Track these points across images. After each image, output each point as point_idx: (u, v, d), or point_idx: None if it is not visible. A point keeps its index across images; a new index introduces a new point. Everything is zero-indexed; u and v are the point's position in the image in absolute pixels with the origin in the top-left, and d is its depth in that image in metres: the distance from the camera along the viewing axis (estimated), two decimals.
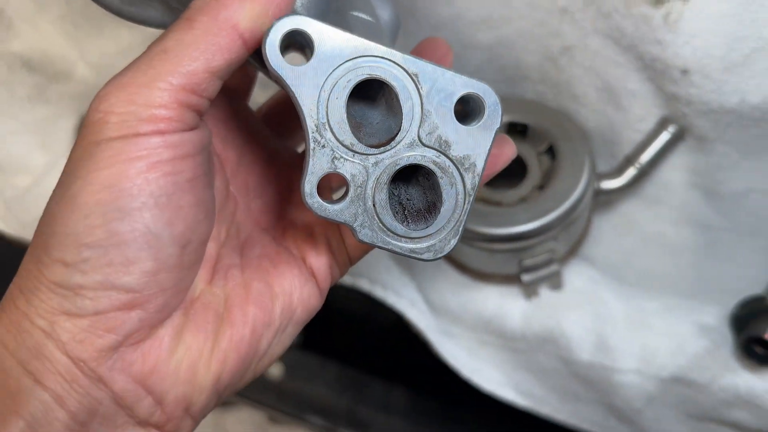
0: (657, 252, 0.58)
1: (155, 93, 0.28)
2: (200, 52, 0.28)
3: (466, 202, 0.32)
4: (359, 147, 0.30)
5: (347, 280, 0.54)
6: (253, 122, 0.38)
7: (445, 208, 0.31)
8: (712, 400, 0.52)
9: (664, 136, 0.52)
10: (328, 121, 0.30)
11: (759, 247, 0.56)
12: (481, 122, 0.31)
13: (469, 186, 0.31)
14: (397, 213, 0.32)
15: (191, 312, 0.31)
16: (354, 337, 0.80)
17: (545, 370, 0.55)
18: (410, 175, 0.33)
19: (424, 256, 0.32)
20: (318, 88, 0.29)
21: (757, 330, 0.50)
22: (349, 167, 0.31)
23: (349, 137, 0.30)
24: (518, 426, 0.62)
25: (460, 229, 0.32)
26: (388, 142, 0.31)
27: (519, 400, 0.57)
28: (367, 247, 0.36)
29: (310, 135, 0.30)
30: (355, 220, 0.31)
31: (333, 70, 0.29)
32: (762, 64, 0.47)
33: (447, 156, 0.31)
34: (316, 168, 0.30)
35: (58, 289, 0.28)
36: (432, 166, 0.31)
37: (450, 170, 0.31)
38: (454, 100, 0.30)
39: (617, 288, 0.55)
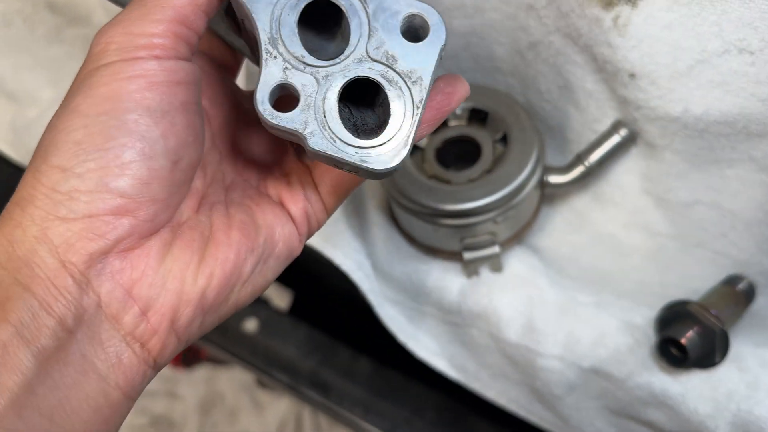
0: (604, 251, 0.60)
1: (150, 24, 0.31)
2: None
3: (415, 114, 0.33)
4: (309, 59, 0.33)
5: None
6: (239, 95, 0.41)
7: (394, 119, 0.33)
8: (629, 397, 0.54)
9: (615, 139, 0.54)
10: (280, 35, 0.32)
11: (703, 258, 0.58)
12: (426, 39, 0.33)
13: (416, 99, 0.33)
14: (349, 129, 0.33)
15: (179, 231, 0.33)
16: (328, 305, 0.83)
17: (477, 345, 0.58)
18: (368, 104, 0.35)
19: (374, 166, 0.33)
20: (271, 5, 0.32)
21: (675, 332, 0.52)
22: (299, 77, 0.33)
23: (299, 50, 0.32)
24: (464, 404, 0.64)
25: (410, 140, 0.33)
26: (336, 56, 0.33)
27: (451, 372, 0.60)
28: (341, 196, 0.39)
29: (263, 47, 0.32)
30: (305, 127, 0.32)
31: None
32: (705, 75, 0.49)
33: (394, 69, 0.33)
34: (267, 78, 0.32)
35: (54, 194, 0.29)
36: (379, 78, 0.33)
37: (398, 83, 0.33)
38: (400, 18, 0.33)
39: (556, 278, 0.58)
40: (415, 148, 0.58)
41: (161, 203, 0.32)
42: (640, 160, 0.56)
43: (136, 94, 0.30)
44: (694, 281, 0.57)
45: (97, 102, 0.30)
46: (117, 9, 0.36)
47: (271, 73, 0.32)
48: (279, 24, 0.32)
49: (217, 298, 0.33)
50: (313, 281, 0.90)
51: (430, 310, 0.59)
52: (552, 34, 0.54)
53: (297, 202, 0.38)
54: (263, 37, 0.32)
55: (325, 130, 0.33)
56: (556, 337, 0.55)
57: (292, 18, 0.32)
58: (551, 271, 0.58)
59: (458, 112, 0.58)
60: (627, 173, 0.58)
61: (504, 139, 0.56)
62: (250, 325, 0.76)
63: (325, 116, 0.33)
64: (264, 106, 0.32)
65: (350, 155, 0.33)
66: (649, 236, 0.59)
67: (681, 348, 0.51)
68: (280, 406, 1.30)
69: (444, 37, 0.33)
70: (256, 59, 0.34)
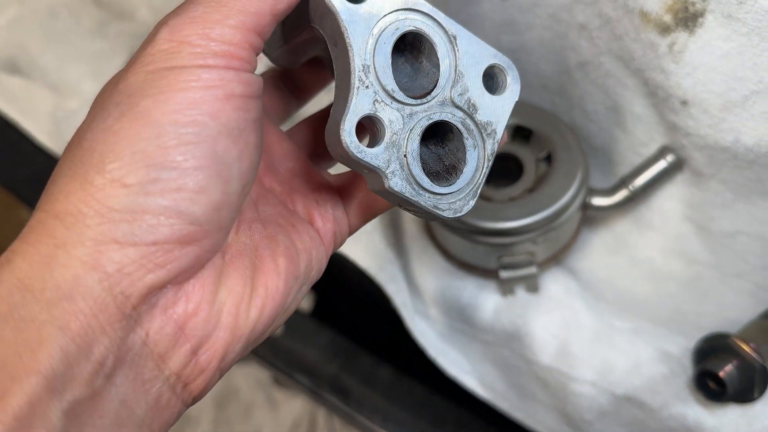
0: (641, 276, 0.59)
1: (229, 30, 0.27)
2: None
3: (485, 165, 0.33)
4: (399, 94, 0.31)
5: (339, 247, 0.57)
6: (276, 127, 0.39)
7: (468, 169, 0.33)
8: (661, 427, 0.53)
9: (661, 164, 0.54)
10: (374, 63, 0.30)
11: (742, 289, 0.57)
12: (504, 92, 0.33)
13: (489, 151, 0.33)
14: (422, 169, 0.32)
15: (227, 257, 0.30)
16: (354, 311, 0.83)
17: (509, 365, 0.57)
18: (427, 139, 0.34)
19: (445, 213, 0.32)
20: (369, 29, 0.30)
21: (713, 365, 0.51)
22: (387, 112, 0.31)
23: (391, 83, 0.31)
24: (487, 421, 0.64)
25: (478, 191, 0.33)
26: (424, 96, 0.32)
27: (480, 391, 0.60)
28: (368, 219, 0.37)
29: (356, 74, 0.30)
30: (388, 166, 0.31)
31: (384, 15, 0.30)
32: (760, 107, 0.48)
33: (473, 119, 0.33)
34: (357, 108, 0.30)
35: (111, 213, 0.25)
36: (461, 126, 0.32)
37: (474, 133, 0.33)
38: (484, 67, 0.33)
39: (592, 302, 0.57)
40: None
41: (226, 230, 0.29)
42: (684, 187, 0.56)
43: (214, 107, 0.27)
44: (731, 312, 0.56)
45: (172, 109, 0.26)
46: (165, 9, 0.32)
47: (362, 104, 0.30)
48: (374, 52, 0.30)
49: (265, 330, 0.31)
50: (336, 284, 0.90)
51: (461, 327, 0.59)
52: (603, 55, 0.53)
53: (326, 222, 0.36)
54: (357, 63, 0.30)
55: (405, 171, 0.31)
56: (590, 363, 0.54)
57: (387, 48, 0.31)
58: (587, 294, 0.57)
59: None
60: (669, 199, 0.57)
61: (548, 159, 0.56)
62: None
63: (406, 157, 0.31)
64: (351, 138, 0.30)
65: (425, 200, 0.32)
66: (687, 264, 0.58)
67: (719, 382, 0.50)
68: (294, 405, 1.30)
69: (519, 92, 0.33)
70: (295, 61, 0.33)
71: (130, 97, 0.26)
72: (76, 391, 0.24)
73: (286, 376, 0.76)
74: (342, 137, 0.30)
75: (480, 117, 0.33)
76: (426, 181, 0.32)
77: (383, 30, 0.30)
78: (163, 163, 0.26)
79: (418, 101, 0.32)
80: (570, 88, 0.57)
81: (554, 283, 0.57)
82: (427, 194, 0.32)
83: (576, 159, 0.54)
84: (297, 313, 0.76)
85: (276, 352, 0.75)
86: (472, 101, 0.33)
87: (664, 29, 0.48)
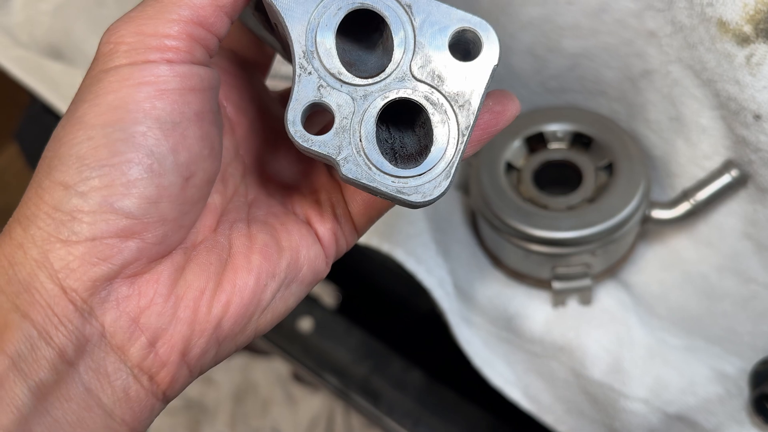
0: (695, 293, 0.58)
1: (164, 24, 0.28)
2: None
3: (460, 142, 0.30)
4: (347, 77, 0.29)
5: (385, 247, 0.56)
6: (267, 98, 0.38)
7: (436, 147, 0.30)
8: None
9: (725, 179, 0.52)
10: (316, 48, 0.29)
11: None
12: (477, 58, 0.29)
13: (462, 125, 0.30)
14: (386, 154, 0.30)
15: (193, 253, 0.31)
16: (386, 313, 0.82)
17: (556, 378, 0.56)
18: (407, 123, 0.32)
19: (412, 198, 0.30)
20: (308, 14, 0.29)
21: None
22: (335, 97, 0.29)
23: (336, 66, 0.29)
24: (520, 431, 0.63)
25: (452, 171, 0.30)
26: (377, 74, 0.30)
27: (524, 403, 0.58)
28: (374, 217, 0.36)
29: (297, 61, 0.29)
30: (339, 152, 0.29)
31: None
32: None
33: (439, 91, 0.30)
34: (300, 96, 0.29)
35: (56, 214, 0.27)
36: (422, 101, 0.30)
37: (443, 107, 0.30)
38: (449, 33, 0.29)
39: (645, 317, 0.55)
40: (510, 168, 0.56)
41: (172, 223, 0.29)
42: (746, 204, 0.54)
43: (145, 103, 0.28)
44: None
45: (102, 111, 0.27)
46: None
47: (305, 91, 0.29)
48: (315, 36, 0.29)
49: (234, 328, 0.31)
50: (365, 284, 0.89)
51: (508, 337, 0.57)
52: (672, 63, 0.51)
53: (325, 222, 0.35)
54: (297, 50, 0.29)
55: (361, 156, 0.29)
56: (643, 380, 0.52)
57: (330, 30, 0.29)
58: (640, 309, 0.56)
59: (560, 134, 0.56)
60: (729, 215, 0.55)
61: (608, 168, 0.54)
62: (305, 324, 0.75)
63: (361, 141, 0.29)
64: (295, 128, 0.29)
65: (386, 185, 0.30)
66: (743, 283, 0.56)
67: None
68: (313, 402, 1.29)
69: (497, 55, 0.30)
70: (289, 57, 0.31)
71: (74, 104, 0.28)
72: (41, 373, 0.26)
73: (315, 376, 0.75)
74: (287, 127, 0.29)
75: (448, 88, 0.29)
76: (385, 164, 0.29)
77: (325, 13, 0.29)
78: (94, 162, 0.27)
79: (371, 81, 0.29)
80: (632, 96, 0.55)
81: (608, 296, 0.55)
82: (389, 179, 0.29)
83: (638, 169, 0.52)
84: (328, 311, 0.75)
85: (306, 350, 0.74)
86: (436, 72, 0.29)
87: (743, 40, 0.46)
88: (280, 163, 0.37)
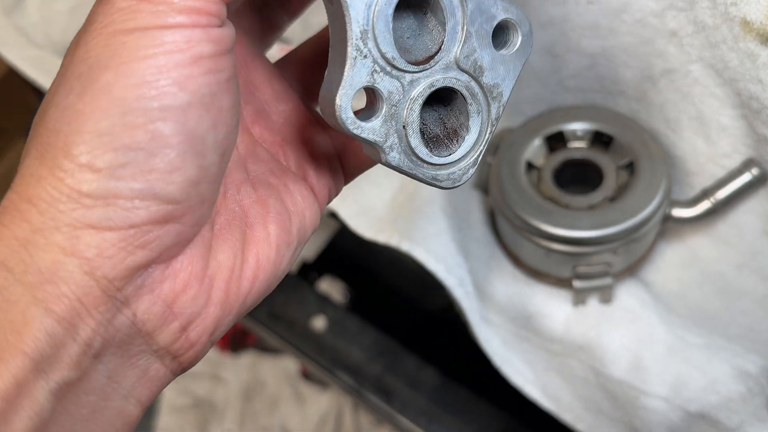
0: (714, 291, 0.58)
1: None
2: None
3: (488, 131, 0.30)
4: (400, 62, 0.28)
5: (405, 246, 0.56)
6: (264, 61, 0.35)
7: (470, 136, 0.30)
8: None
9: (746, 177, 0.52)
10: (373, 30, 0.27)
11: None
12: (515, 49, 0.30)
13: (494, 115, 0.30)
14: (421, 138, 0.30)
15: (216, 227, 0.29)
16: (399, 312, 0.82)
17: (576, 377, 0.56)
18: (432, 103, 0.31)
19: (443, 184, 0.30)
20: None
21: None
22: (387, 83, 0.28)
23: (392, 50, 0.28)
24: (534, 428, 0.63)
25: (479, 159, 0.31)
26: (426, 61, 0.29)
27: (544, 402, 0.58)
28: (364, 168, 0.35)
29: (353, 42, 0.27)
30: (386, 140, 0.29)
31: None
32: None
33: (479, 82, 0.30)
34: (354, 80, 0.27)
35: (85, 199, 0.24)
36: (465, 92, 0.29)
37: (479, 97, 0.30)
38: (494, 24, 0.29)
39: (665, 316, 0.56)
40: (531, 167, 0.56)
41: (208, 203, 0.27)
42: (766, 202, 0.54)
43: (183, 73, 0.24)
44: None
45: (135, 83, 0.24)
46: None
47: (359, 76, 0.27)
48: (374, 16, 0.27)
49: (256, 302, 0.30)
50: (373, 279, 0.89)
51: (527, 335, 0.58)
52: (693, 63, 0.51)
53: (321, 176, 0.33)
54: (355, 30, 0.27)
55: (403, 143, 0.29)
56: (664, 378, 0.53)
57: (389, 9, 0.27)
58: (660, 307, 0.56)
59: (580, 133, 0.56)
60: (747, 213, 0.55)
61: (629, 167, 0.54)
62: (319, 323, 0.75)
63: (405, 129, 0.29)
64: (347, 114, 0.27)
65: (423, 172, 0.30)
66: (761, 280, 0.57)
67: None
68: (322, 400, 1.29)
69: (530, 50, 0.30)
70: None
71: (91, 69, 0.24)
72: (64, 372, 0.24)
73: (329, 374, 0.75)
74: (337, 113, 0.27)
75: (486, 79, 0.30)
76: (425, 152, 0.30)
77: None
78: (131, 144, 0.24)
79: (421, 68, 0.29)
80: (652, 96, 0.55)
81: (628, 295, 0.55)
82: (425, 165, 0.30)
83: (659, 168, 0.53)
84: (339, 311, 0.75)
85: (320, 349, 0.74)
86: (479, 63, 0.29)
87: (767, 39, 0.46)
88: (267, 103, 0.34)
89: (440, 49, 0.29)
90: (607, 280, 0.53)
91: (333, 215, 0.62)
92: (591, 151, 0.55)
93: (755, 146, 0.52)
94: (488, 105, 0.30)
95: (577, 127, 0.56)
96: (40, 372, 0.23)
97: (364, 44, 0.27)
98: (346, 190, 0.59)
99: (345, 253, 0.91)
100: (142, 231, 0.25)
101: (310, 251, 0.94)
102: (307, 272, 0.89)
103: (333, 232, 0.90)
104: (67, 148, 0.24)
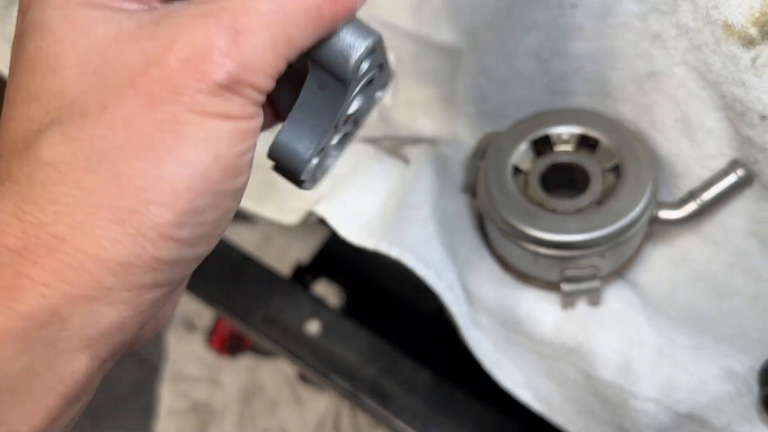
0: (703, 292, 0.58)
1: (260, 45, 0.27)
2: None
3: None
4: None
5: (394, 252, 0.56)
6: None
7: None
8: None
9: (731, 178, 0.52)
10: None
11: None
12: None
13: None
14: None
15: None
16: (394, 315, 0.82)
17: (566, 379, 0.56)
18: None
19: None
20: (359, 84, 0.33)
21: None
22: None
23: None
24: (529, 430, 0.63)
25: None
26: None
27: (535, 404, 0.59)
28: None
29: (339, 121, 0.32)
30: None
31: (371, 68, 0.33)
32: None
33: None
34: (323, 145, 0.33)
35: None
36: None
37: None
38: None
39: (654, 317, 0.56)
40: (517, 171, 0.56)
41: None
42: (752, 202, 0.54)
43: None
44: None
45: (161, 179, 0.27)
46: None
47: (328, 141, 0.34)
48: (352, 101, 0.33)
49: None
50: (371, 285, 0.89)
51: (518, 339, 0.58)
52: (677, 65, 0.52)
53: None
54: (344, 111, 0.32)
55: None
56: (653, 380, 0.53)
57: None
58: (649, 309, 0.56)
59: (566, 137, 0.56)
60: (734, 214, 0.55)
61: (615, 170, 0.54)
62: (313, 327, 0.75)
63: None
64: (307, 175, 0.33)
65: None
66: (752, 280, 0.57)
67: None
68: (320, 402, 1.29)
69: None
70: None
71: (101, 146, 0.26)
72: None
73: (324, 379, 0.75)
74: (301, 169, 0.32)
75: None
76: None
77: (362, 77, 0.31)
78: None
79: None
80: (637, 98, 0.56)
81: (616, 297, 0.56)
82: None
83: (645, 171, 0.53)
84: (334, 315, 0.75)
85: (315, 353, 0.74)
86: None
87: (749, 42, 0.46)
88: None
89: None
90: (595, 283, 0.53)
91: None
92: (577, 155, 0.56)
93: (740, 148, 0.52)
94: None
95: (563, 130, 0.56)
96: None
97: (341, 123, 0.32)
98: (336, 195, 0.59)
99: (339, 256, 0.91)
100: None
101: (305, 254, 0.94)
102: (302, 275, 0.89)
103: (327, 235, 0.90)
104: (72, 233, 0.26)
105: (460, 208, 0.61)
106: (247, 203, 0.66)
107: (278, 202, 0.65)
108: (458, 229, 0.60)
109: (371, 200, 0.61)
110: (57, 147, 0.26)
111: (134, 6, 0.29)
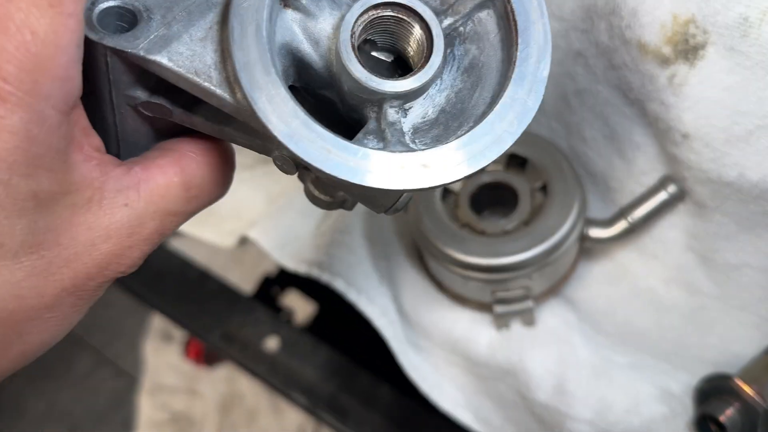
0: (642, 307, 0.57)
1: None
2: None
3: None
4: None
5: (325, 277, 0.56)
6: None
7: None
8: None
9: (662, 196, 0.51)
10: None
11: (746, 322, 0.54)
12: None
13: None
14: None
15: None
16: (352, 330, 0.82)
17: (504, 400, 0.56)
18: None
19: None
20: None
21: (714, 409, 0.49)
22: None
23: None
24: None
25: None
26: None
27: (476, 426, 0.58)
28: None
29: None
30: None
31: None
32: (764, 142, 0.45)
33: None
34: None
35: None
36: None
37: None
38: None
39: (591, 335, 0.55)
40: (447, 192, 0.55)
41: None
42: (686, 218, 0.53)
43: None
44: (735, 345, 0.54)
45: None
46: None
47: None
48: None
49: None
50: (335, 300, 0.89)
51: (455, 360, 0.57)
52: (600, 83, 0.51)
53: None
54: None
55: None
56: (588, 401, 0.52)
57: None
58: (585, 326, 0.55)
59: None
60: (671, 228, 0.55)
61: (543, 188, 0.54)
62: (272, 343, 0.74)
63: None
64: None
65: None
66: (690, 294, 0.56)
67: (720, 426, 0.48)
68: (299, 411, 1.29)
69: None
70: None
71: None
72: None
73: (284, 396, 0.75)
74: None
75: None
76: None
77: None
78: None
79: None
80: (567, 115, 0.55)
81: (552, 316, 0.55)
82: None
83: (572, 190, 0.52)
84: (293, 331, 0.74)
85: (274, 370, 0.74)
86: None
87: (664, 61, 0.45)
88: None
89: None
90: (527, 304, 0.53)
91: None
92: (506, 174, 0.55)
93: (669, 164, 0.51)
94: None
95: None
96: None
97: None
98: (270, 219, 0.58)
99: None
100: None
101: (272, 266, 0.93)
102: (269, 287, 0.88)
103: None
104: None
105: (394, 227, 0.61)
106: (186, 227, 0.65)
107: (217, 225, 0.64)
108: (393, 252, 0.60)
109: (306, 222, 0.60)
110: None
111: None
